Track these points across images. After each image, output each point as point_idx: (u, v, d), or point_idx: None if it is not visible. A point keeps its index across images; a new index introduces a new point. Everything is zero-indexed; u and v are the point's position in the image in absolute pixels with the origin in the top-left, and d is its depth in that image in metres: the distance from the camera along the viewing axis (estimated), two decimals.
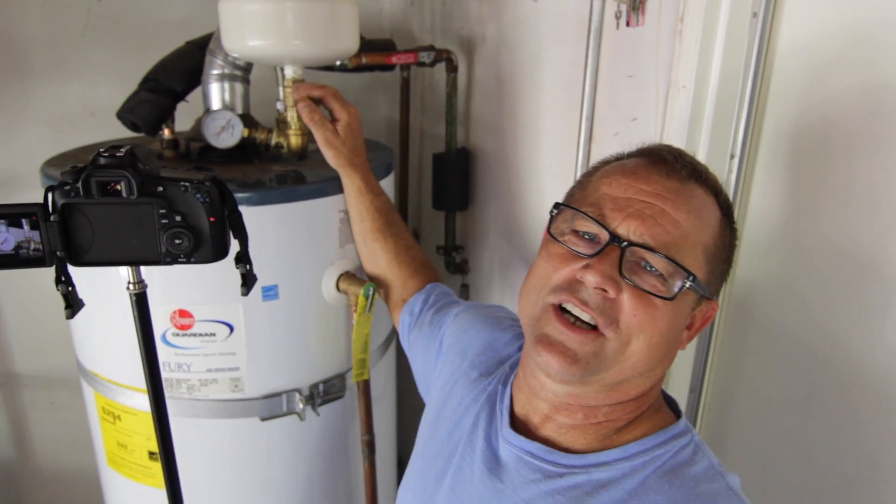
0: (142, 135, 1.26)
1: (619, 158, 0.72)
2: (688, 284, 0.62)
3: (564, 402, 0.69)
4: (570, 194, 0.73)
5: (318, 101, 1.12)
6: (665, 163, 0.66)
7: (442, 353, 0.96)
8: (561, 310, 0.65)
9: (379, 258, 1.15)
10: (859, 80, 0.82)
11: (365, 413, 1.26)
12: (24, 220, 0.67)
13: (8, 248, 0.67)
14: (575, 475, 0.67)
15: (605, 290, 0.62)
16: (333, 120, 1.11)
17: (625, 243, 0.62)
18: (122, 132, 1.29)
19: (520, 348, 0.86)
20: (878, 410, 0.85)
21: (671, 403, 0.75)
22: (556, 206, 0.70)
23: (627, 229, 0.63)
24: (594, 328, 0.63)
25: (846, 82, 0.84)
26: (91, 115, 1.62)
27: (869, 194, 0.83)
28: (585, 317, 0.63)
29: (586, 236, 0.65)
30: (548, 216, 0.70)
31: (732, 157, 0.97)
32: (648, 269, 0.63)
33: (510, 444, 0.72)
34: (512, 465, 0.71)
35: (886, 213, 0.81)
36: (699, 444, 0.69)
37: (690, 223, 0.63)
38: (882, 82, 0.79)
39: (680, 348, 0.69)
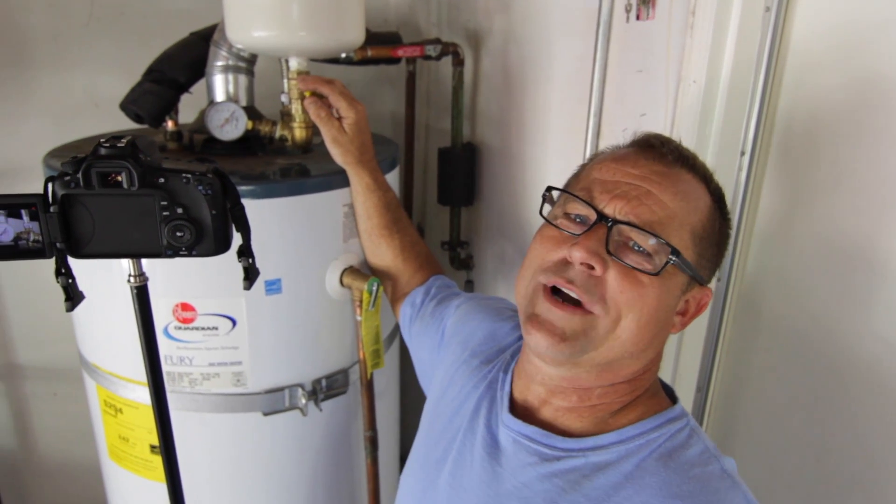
0: (145, 126, 1.25)
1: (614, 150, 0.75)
2: (672, 259, 0.63)
3: (559, 385, 0.71)
4: (567, 183, 0.75)
5: (323, 97, 1.11)
6: (652, 148, 0.69)
7: (444, 344, 0.97)
8: (552, 291, 0.67)
9: (384, 254, 1.15)
10: (874, 75, 0.80)
11: (368, 409, 1.25)
12: (23, 211, 0.66)
13: (7, 239, 0.66)
14: (572, 458, 0.68)
15: (591, 267, 0.63)
16: (340, 117, 1.10)
17: (611, 221, 0.64)
18: (126, 123, 1.28)
19: (520, 337, 0.88)
20: (883, 411, 0.83)
21: (668, 390, 0.76)
22: (549, 189, 0.72)
23: (614, 209, 0.65)
24: (580, 306, 0.65)
25: (861, 77, 0.82)
26: (95, 106, 1.61)
27: (882, 190, 0.81)
28: (572, 294, 0.65)
29: (577, 219, 0.68)
30: (546, 204, 0.73)
31: (743, 153, 0.95)
32: (636, 248, 0.64)
33: (508, 429, 0.73)
34: (510, 448, 0.72)
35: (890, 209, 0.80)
36: (694, 428, 0.70)
37: (677, 204, 0.65)
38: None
39: (672, 332, 0.70)
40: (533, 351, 0.70)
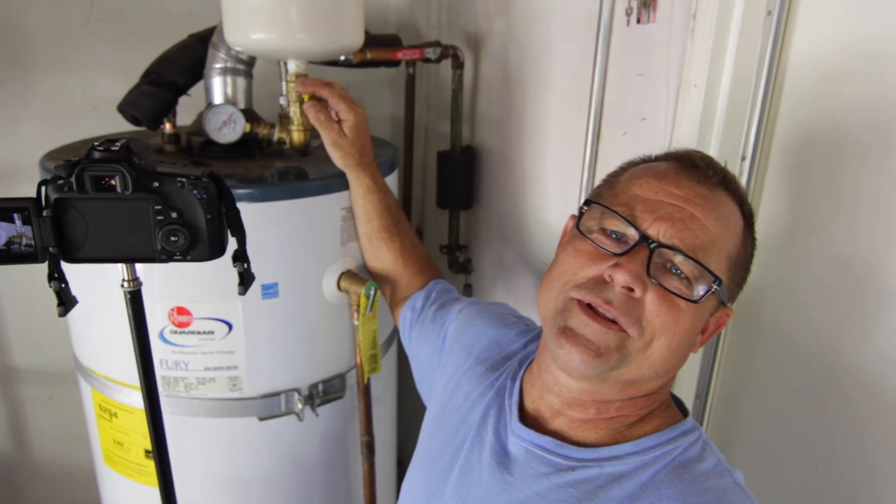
0: (143, 129, 1.24)
1: (646, 161, 0.73)
2: (714, 288, 0.63)
3: (577, 397, 0.70)
4: (598, 193, 0.73)
5: (322, 100, 1.10)
6: (696, 168, 0.67)
7: (445, 350, 0.96)
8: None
9: (384, 257, 1.14)
10: (882, 81, 0.80)
11: (364, 414, 1.24)
12: (15, 215, 0.65)
13: None
14: (587, 469, 0.68)
15: (631, 290, 0.62)
16: (339, 120, 1.09)
17: (654, 244, 0.63)
18: (124, 125, 1.28)
19: (525, 344, 0.87)
20: (883, 421, 0.83)
21: (677, 402, 0.76)
22: (587, 202, 0.70)
23: (657, 231, 0.63)
24: (615, 322, 0.64)
25: (867, 82, 0.81)
26: (93, 107, 1.61)
27: (876, 203, 0.80)
28: (609, 315, 0.64)
29: (614, 235, 0.66)
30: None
31: (744, 159, 0.94)
32: (675, 272, 0.63)
33: (519, 438, 0.72)
34: (521, 458, 0.71)
35: (893, 223, 0.79)
36: (707, 442, 0.70)
37: (718, 230, 0.64)
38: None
39: (692, 351, 0.70)
40: (561, 366, 0.68)
